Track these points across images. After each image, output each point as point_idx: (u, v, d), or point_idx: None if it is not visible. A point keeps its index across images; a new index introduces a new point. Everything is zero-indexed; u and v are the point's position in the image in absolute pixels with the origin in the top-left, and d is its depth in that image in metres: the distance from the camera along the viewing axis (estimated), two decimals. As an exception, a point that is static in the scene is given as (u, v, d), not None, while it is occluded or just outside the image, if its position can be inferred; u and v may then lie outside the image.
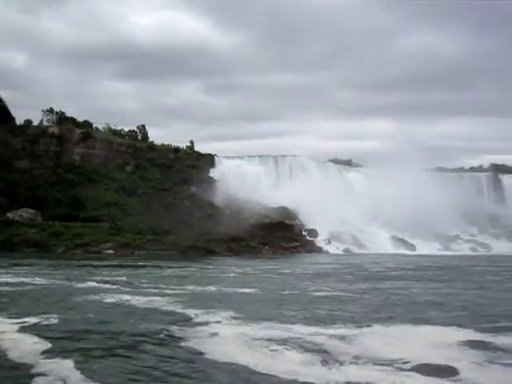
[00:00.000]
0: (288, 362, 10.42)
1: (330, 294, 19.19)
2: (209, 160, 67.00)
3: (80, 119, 68.38)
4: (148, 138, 69.81)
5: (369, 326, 12.97)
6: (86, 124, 66.67)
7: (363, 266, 33.25)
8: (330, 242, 59.44)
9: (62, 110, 67.43)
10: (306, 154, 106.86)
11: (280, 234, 57.58)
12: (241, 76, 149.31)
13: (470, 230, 69.62)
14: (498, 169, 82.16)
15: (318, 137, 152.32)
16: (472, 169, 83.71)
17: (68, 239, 53.23)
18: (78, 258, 41.66)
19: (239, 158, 68.41)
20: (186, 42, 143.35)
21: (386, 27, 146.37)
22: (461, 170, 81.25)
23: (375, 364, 10.19)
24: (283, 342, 11.60)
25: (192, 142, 69.07)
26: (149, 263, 34.78)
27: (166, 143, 68.82)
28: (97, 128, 68.64)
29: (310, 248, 57.35)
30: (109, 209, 58.29)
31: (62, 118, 66.29)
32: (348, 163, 77.00)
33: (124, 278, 23.68)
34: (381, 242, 61.81)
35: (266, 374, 9.71)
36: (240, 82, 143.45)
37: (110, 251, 52.12)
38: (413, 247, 61.45)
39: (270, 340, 11.73)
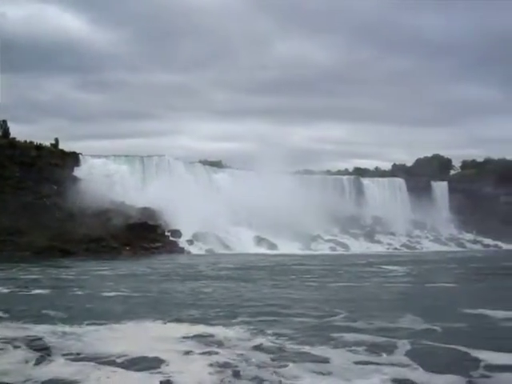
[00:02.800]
0: (4, 361, 10.53)
1: (118, 294, 19.51)
2: (73, 158, 65.16)
3: None
4: (9, 134, 66.78)
5: (105, 323, 13.36)
6: None
7: (197, 267, 33.80)
8: (192, 243, 59.84)
9: None
10: (180, 154, 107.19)
11: (143, 235, 57.19)
12: (117, 74, 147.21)
13: (332, 230, 72.70)
14: (361, 173, 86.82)
15: (194, 137, 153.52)
16: (338, 172, 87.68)
17: None
18: None
19: (105, 157, 67.12)
20: (60, 36, 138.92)
21: (264, 32, 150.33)
22: (328, 172, 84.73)
23: (90, 360, 10.56)
24: (15, 341, 11.71)
25: (57, 140, 66.96)
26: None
27: (34, 140, 66.12)
28: (-47, 123, 64.91)
29: (173, 249, 57.38)
30: (-40, 208, 55.32)
31: None
32: (218, 164, 77.97)
33: None
34: (245, 243, 63.06)
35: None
36: (116, 80, 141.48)
37: (-42, 253, 49.62)
38: (275, 247, 63.12)
39: (2, 339, 11.80)
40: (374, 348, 11.42)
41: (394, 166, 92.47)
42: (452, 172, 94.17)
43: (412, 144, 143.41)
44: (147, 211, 61.30)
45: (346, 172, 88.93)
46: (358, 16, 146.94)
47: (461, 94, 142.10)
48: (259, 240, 64.32)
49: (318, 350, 11.06)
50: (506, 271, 34.83)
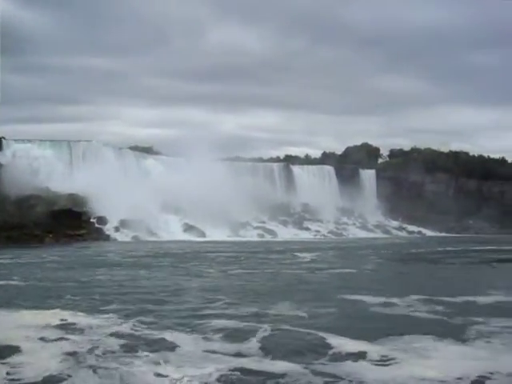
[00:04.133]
0: None
1: (7, 282, 19.51)
2: (-5, 143, 63.34)
3: None
4: None
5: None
6: None
7: (108, 254, 33.93)
8: (118, 230, 59.28)
9: None
10: (112, 140, 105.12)
11: (67, 222, 56.16)
12: (46, 57, 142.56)
13: (261, 217, 73.31)
14: (291, 160, 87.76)
15: (126, 123, 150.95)
16: (269, 159, 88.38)
17: None
18: None
19: (29, 141, 65.40)
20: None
21: (199, 19, 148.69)
22: (258, 160, 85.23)
23: None
24: None
25: (-22, 124, 64.90)
26: None
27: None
28: None
29: (98, 236, 56.82)
30: None
31: None
32: (148, 150, 77.26)
33: None
34: (172, 230, 62.96)
35: None
36: (45, 63, 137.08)
37: None
38: (203, 234, 63.20)
39: None
40: (232, 335, 11.80)
41: (324, 154, 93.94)
42: (380, 160, 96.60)
43: (342, 133, 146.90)
44: (73, 198, 60.22)
45: (276, 159, 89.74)
46: (291, 6, 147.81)
47: (389, 84, 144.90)
48: (187, 227, 64.27)
49: (174, 338, 11.37)
50: (415, 256, 36.31)
